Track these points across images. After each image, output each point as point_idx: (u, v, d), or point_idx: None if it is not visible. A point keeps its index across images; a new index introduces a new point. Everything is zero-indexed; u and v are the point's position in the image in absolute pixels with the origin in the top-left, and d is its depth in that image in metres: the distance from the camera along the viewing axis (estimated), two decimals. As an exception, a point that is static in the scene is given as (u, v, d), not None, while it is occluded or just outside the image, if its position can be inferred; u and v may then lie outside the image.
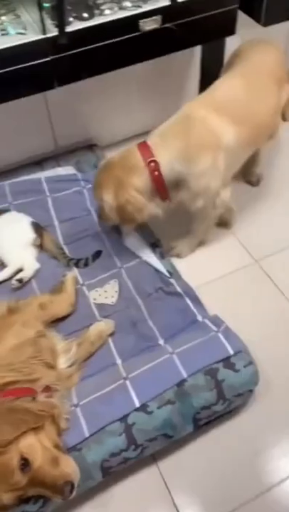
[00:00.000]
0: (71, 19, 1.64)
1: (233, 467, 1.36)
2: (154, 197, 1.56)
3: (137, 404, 1.31)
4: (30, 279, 1.70)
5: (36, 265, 1.72)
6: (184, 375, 1.35)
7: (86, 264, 1.75)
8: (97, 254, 1.78)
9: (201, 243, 1.88)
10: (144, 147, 1.51)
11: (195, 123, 1.51)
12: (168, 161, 1.50)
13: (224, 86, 1.62)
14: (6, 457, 1.13)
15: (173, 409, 1.31)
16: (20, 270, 1.70)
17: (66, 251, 1.79)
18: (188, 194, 1.58)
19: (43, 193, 1.96)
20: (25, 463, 1.13)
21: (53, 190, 1.98)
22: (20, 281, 1.66)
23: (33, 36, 1.61)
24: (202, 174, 1.52)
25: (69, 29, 1.60)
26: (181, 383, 1.34)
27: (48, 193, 1.97)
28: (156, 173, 1.49)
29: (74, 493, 1.15)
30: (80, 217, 1.91)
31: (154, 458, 1.38)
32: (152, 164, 1.48)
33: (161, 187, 1.53)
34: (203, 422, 1.36)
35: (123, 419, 1.30)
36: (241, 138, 1.55)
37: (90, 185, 1.97)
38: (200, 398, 1.33)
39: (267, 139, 1.77)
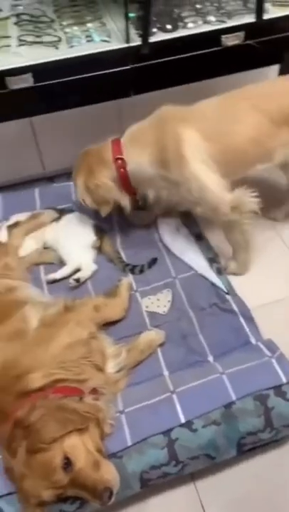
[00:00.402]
0: (155, 30, 1.67)
1: (271, 498, 1.32)
2: (121, 190, 1.66)
3: (182, 420, 1.29)
4: (86, 280, 1.73)
5: (94, 267, 1.75)
6: (233, 397, 1.32)
7: (142, 271, 1.76)
8: (153, 262, 1.78)
9: (256, 263, 1.84)
10: (116, 144, 1.62)
11: (166, 129, 1.55)
12: (135, 161, 1.59)
13: (205, 103, 1.62)
14: (50, 454, 1.14)
15: (218, 431, 1.29)
16: (78, 270, 1.73)
17: (123, 255, 1.81)
18: (177, 197, 1.63)
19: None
20: (67, 462, 1.14)
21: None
22: (77, 280, 1.69)
23: (116, 44, 1.65)
24: (179, 180, 1.56)
25: (152, 40, 1.63)
26: (229, 405, 1.31)
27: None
28: (122, 170, 1.60)
29: (112, 500, 1.15)
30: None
31: (193, 476, 1.36)
32: (119, 162, 1.59)
33: (126, 183, 1.63)
34: (248, 448, 1.33)
35: (167, 432, 1.28)
36: (211, 153, 1.55)
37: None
38: (247, 423, 1.30)
39: (252, 167, 1.67)
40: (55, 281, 1.73)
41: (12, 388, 1.26)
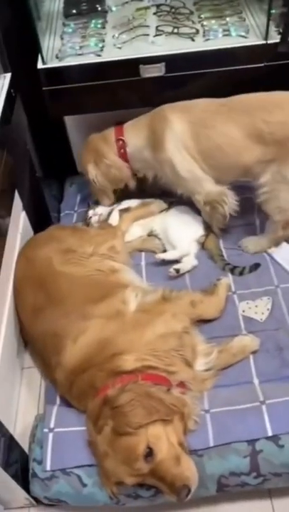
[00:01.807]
0: (296, 28, 1.60)
1: None
2: None
3: (270, 433, 1.25)
4: (185, 273, 1.73)
5: (195, 261, 1.74)
6: None
7: (241, 273, 1.71)
8: (255, 267, 1.73)
9: None
10: (118, 128, 1.75)
11: (159, 114, 1.66)
12: (134, 142, 1.72)
13: (204, 101, 1.63)
14: (134, 440, 1.15)
15: (307, 452, 1.22)
16: (178, 261, 1.73)
17: (225, 255, 1.78)
18: (165, 179, 1.73)
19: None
20: (149, 452, 1.15)
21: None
22: (177, 271, 1.70)
23: (253, 40, 1.61)
24: (163, 162, 1.66)
25: (292, 38, 1.57)
26: None
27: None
28: (122, 150, 1.74)
29: (189, 497, 1.14)
30: (244, 226, 1.88)
31: (270, 493, 1.30)
32: (120, 142, 1.73)
33: (125, 161, 1.77)
34: None
35: (251, 442, 1.25)
36: (192, 145, 1.60)
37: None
38: None
39: (239, 175, 1.66)
40: (160, 264, 1.74)
41: (105, 365, 1.30)
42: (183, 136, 1.62)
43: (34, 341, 1.56)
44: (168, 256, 1.74)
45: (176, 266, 1.71)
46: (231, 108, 1.57)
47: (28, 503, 1.36)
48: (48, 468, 1.26)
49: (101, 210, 1.89)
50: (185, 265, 1.72)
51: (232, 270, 1.72)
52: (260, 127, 1.52)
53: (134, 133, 1.72)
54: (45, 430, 1.32)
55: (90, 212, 1.88)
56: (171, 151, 1.63)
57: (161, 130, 1.63)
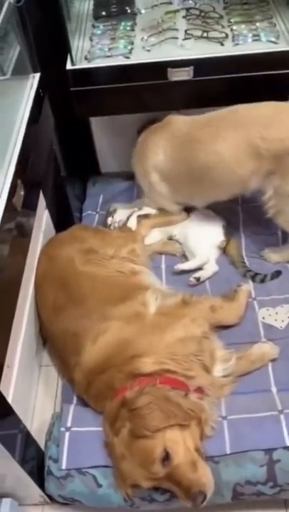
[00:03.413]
0: None
1: None
2: None
3: (288, 443, 1.23)
4: (205, 280, 1.72)
5: (216, 267, 1.73)
6: None
7: (263, 281, 1.70)
8: (277, 274, 1.72)
9: None
10: None
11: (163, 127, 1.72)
12: None
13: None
14: (152, 443, 1.15)
15: None
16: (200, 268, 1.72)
17: (246, 262, 1.77)
18: None
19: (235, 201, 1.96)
20: (166, 456, 1.15)
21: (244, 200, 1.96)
22: (198, 279, 1.69)
23: (283, 46, 1.60)
24: None
25: None
26: None
27: (239, 202, 1.96)
28: None
29: (204, 504, 1.13)
30: (267, 236, 1.86)
31: (286, 503, 1.29)
32: None
33: None
34: None
35: (268, 451, 1.24)
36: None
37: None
38: None
39: (227, 193, 1.68)
40: (180, 272, 1.74)
41: (124, 367, 1.30)
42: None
43: (53, 340, 1.57)
44: (187, 266, 1.73)
45: (197, 274, 1.71)
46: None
47: (42, 500, 1.37)
48: (64, 466, 1.27)
49: (120, 217, 1.88)
50: (205, 272, 1.72)
51: (253, 277, 1.71)
52: (256, 143, 1.51)
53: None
54: (62, 429, 1.33)
55: (109, 220, 1.88)
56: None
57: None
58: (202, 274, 1.71)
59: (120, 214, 1.87)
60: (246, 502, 1.27)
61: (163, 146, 1.68)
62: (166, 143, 1.67)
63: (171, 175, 1.70)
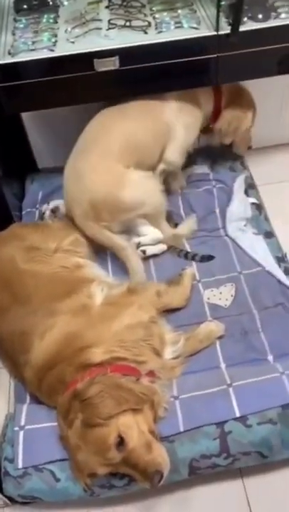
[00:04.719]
0: (245, 19, 1.63)
1: None
2: None
3: (237, 414, 1.28)
4: (150, 257, 1.76)
5: (164, 246, 1.77)
6: (292, 398, 1.29)
7: (193, 259, 1.76)
8: (208, 258, 1.76)
9: None
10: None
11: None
12: None
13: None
14: (105, 430, 1.16)
15: (273, 430, 1.26)
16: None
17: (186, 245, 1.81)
18: None
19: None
20: (120, 441, 1.16)
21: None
22: (144, 252, 1.73)
23: (205, 32, 1.63)
24: None
25: (242, 29, 1.59)
26: (286, 406, 1.28)
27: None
28: None
29: (161, 483, 1.16)
30: (207, 216, 1.91)
31: (241, 472, 1.34)
32: None
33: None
34: (303, 451, 1.30)
35: (220, 424, 1.28)
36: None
37: (220, 185, 1.99)
38: (305, 426, 1.26)
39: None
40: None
41: (73, 360, 1.30)
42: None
43: (1, 341, 1.54)
44: (142, 239, 1.75)
45: (144, 248, 1.73)
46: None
47: (1, 503, 1.35)
48: (20, 465, 1.26)
49: (54, 204, 1.88)
50: (153, 248, 1.75)
51: (185, 255, 1.76)
52: None
53: None
54: (16, 428, 1.32)
55: (44, 208, 1.89)
56: None
57: None
58: (148, 248, 1.74)
59: (55, 202, 1.88)
60: (203, 476, 1.31)
61: None
62: None
63: None
